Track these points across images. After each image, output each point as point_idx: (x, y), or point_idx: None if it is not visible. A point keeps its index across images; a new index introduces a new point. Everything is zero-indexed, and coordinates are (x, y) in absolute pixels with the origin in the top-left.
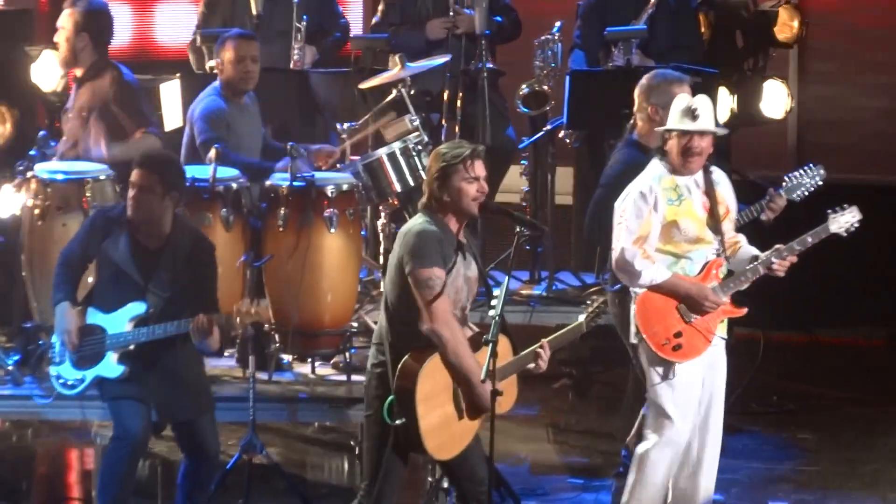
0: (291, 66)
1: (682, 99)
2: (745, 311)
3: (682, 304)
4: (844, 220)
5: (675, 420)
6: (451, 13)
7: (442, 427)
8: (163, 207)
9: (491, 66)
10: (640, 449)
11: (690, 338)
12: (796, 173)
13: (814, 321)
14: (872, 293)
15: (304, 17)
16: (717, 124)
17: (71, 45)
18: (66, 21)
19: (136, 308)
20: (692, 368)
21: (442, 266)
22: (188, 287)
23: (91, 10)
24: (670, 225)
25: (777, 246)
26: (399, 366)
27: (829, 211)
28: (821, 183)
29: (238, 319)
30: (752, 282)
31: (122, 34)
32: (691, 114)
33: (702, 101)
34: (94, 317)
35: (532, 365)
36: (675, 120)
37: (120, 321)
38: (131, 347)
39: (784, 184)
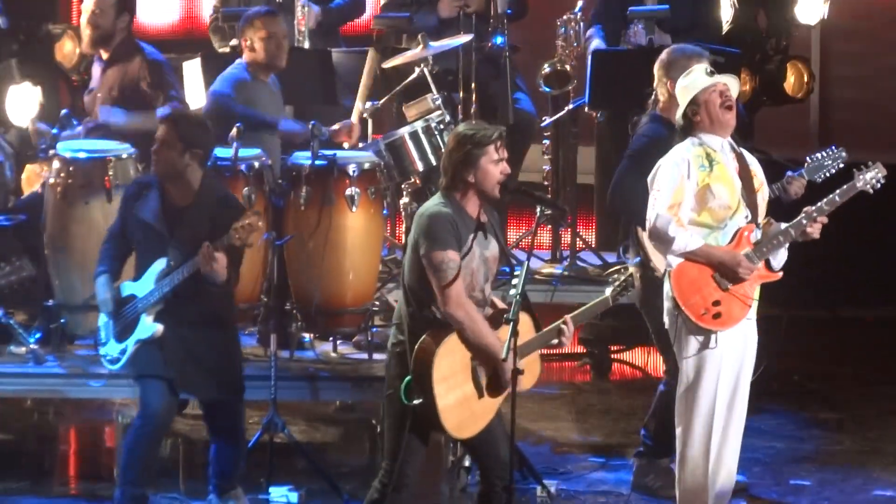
0: (296, 25)
1: (697, 68)
2: (780, 275)
3: (717, 273)
4: (870, 177)
5: (702, 397)
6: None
7: (461, 406)
8: (183, 163)
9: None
10: (679, 435)
11: (729, 305)
12: (818, 154)
13: (836, 299)
14: (895, 271)
15: None
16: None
17: (112, 25)
18: (105, 2)
19: (159, 265)
20: (730, 343)
21: (456, 249)
22: (205, 239)
23: None
24: (703, 190)
25: (806, 208)
26: (416, 347)
27: (854, 169)
28: (842, 165)
29: (235, 234)
30: (784, 246)
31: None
32: (710, 73)
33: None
34: (127, 288)
35: (555, 341)
36: (699, 83)
37: (147, 283)
38: (161, 305)
39: (806, 165)
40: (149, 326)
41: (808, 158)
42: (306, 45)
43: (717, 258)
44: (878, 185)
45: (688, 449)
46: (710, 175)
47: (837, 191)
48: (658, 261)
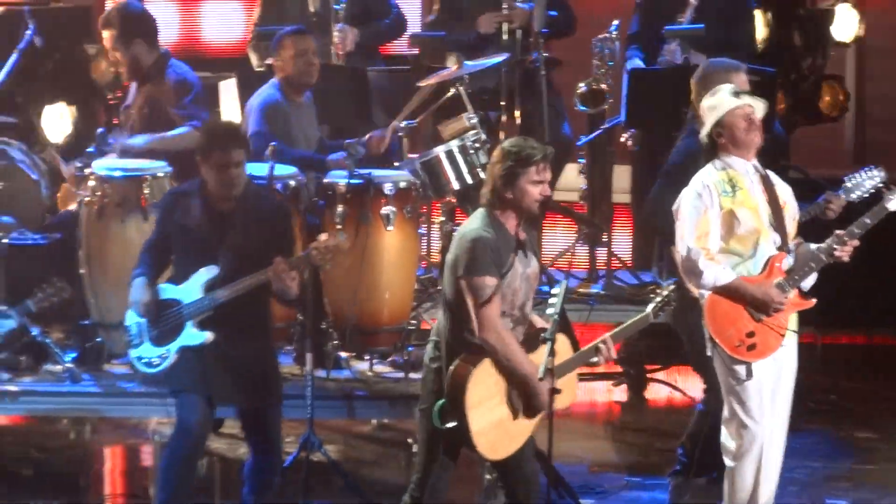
0: (332, 49)
1: (723, 88)
2: (813, 302)
3: (749, 305)
4: None
5: (750, 423)
6: (505, 7)
7: (495, 429)
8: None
9: (546, 55)
10: (728, 462)
11: (764, 336)
12: (856, 174)
13: (871, 321)
14: None
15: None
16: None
17: (130, 58)
18: (113, 41)
19: (207, 273)
20: (766, 367)
21: (495, 274)
22: (261, 248)
23: (131, 14)
24: (728, 216)
25: (837, 232)
26: (451, 369)
27: (884, 189)
28: (881, 185)
29: (316, 254)
30: (816, 271)
31: (170, 31)
32: (736, 94)
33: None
34: (168, 292)
35: (595, 359)
36: (725, 105)
37: (192, 289)
38: (209, 313)
39: (843, 184)
40: (197, 334)
41: (845, 178)
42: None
43: (749, 293)
44: None
45: (741, 468)
46: (733, 200)
47: (868, 213)
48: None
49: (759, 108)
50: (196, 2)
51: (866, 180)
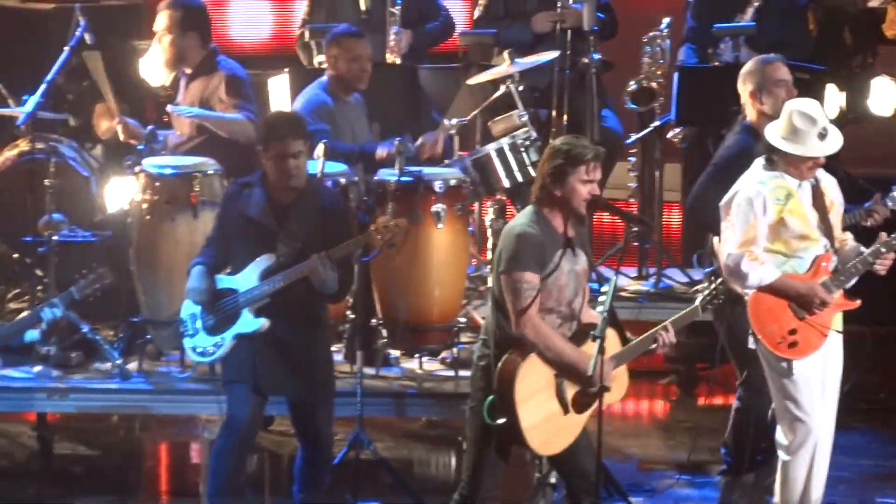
0: (387, 51)
1: (811, 119)
2: (858, 303)
3: (794, 303)
4: None
5: (804, 417)
6: (559, 6)
7: (545, 423)
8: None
9: (598, 57)
10: (783, 457)
11: (806, 334)
12: None
13: None
14: None
15: (398, 1)
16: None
17: (178, 47)
18: (167, 23)
19: (264, 261)
20: (811, 362)
21: (535, 271)
22: (318, 240)
23: (194, 7)
24: (778, 224)
25: (882, 236)
26: (499, 365)
27: None
28: None
29: (378, 235)
30: (861, 274)
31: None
32: (822, 137)
33: (817, 111)
34: (224, 281)
35: (653, 346)
36: (810, 140)
37: (250, 278)
38: (265, 301)
39: (891, 193)
40: (253, 321)
41: (894, 188)
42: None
43: (793, 290)
44: None
45: (794, 464)
46: (784, 208)
47: None
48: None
49: (836, 148)
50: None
51: None
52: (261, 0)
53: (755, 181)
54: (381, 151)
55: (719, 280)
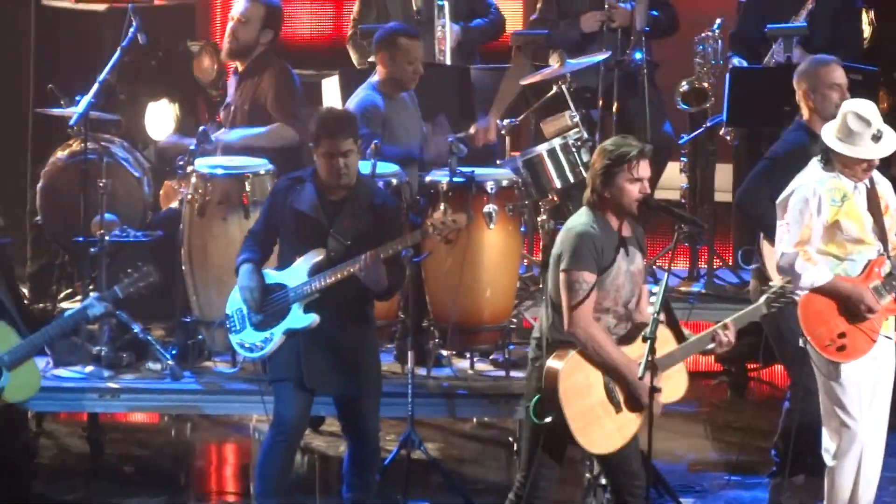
0: (436, 44)
1: (866, 121)
2: None
3: (844, 306)
4: None
5: (850, 422)
6: (607, 6)
7: (596, 423)
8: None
9: (648, 58)
10: (828, 462)
11: (854, 338)
12: None
13: None
14: None
15: None
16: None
17: (255, 38)
18: (251, 13)
19: (314, 256)
20: (861, 366)
21: (594, 271)
22: (369, 237)
23: (277, 7)
24: (833, 226)
25: None
26: (546, 364)
27: None
28: None
29: (432, 230)
30: None
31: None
32: (876, 139)
33: (873, 113)
34: (272, 277)
35: (710, 346)
36: (865, 142)
37: (299, 273)
38: (315, 296)
39: None
40: (304, 317)
41: None
42: (447, 62)
43: (844, 292)
44: None
45: (843, 466)
46: (840, 210)
47: None
48: (775, 275)
49: (890, 151)
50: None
51: None
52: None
53: (813, 181)
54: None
55: (783, 281)
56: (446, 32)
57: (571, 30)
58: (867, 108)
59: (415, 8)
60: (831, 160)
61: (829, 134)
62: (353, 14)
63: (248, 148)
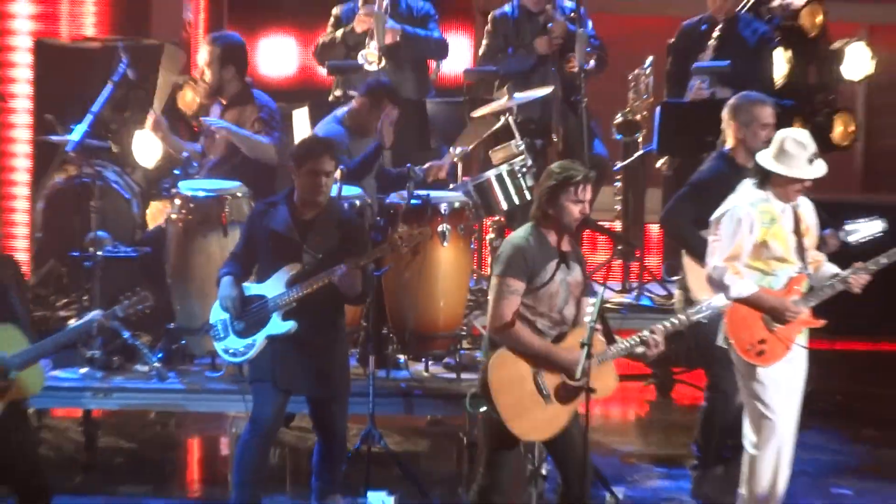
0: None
1: (802, 145)
2: (823, 322)
3: (766, 315)
4: (872, 228)
5: (771, 416)
6: (549, 25)
7: (524, 412)
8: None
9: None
10: (750, 451)
11: (772, 345)
12: (858, 221)
13: (877, 330)
14: None
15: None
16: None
17: (218, 77)
18: (210, 56)
19: (290, 269)
20: (778, 368)
21: (521, 278)
22: (337, 251)
23: (233, 44)
24: (761, 244)
25: (855, 264)
26: (483, 361)
27: None
28: (880, 233)
29: (400, 241)
30: (829, 297)
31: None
32: (811, 162)
33: (808, 140)
34: (252, 289)
35: (640, 350)
36: (800, 164)
37: (276, 285)
38: (293, 305)
39: (844, 227)
40: (283, 324)
41: (845, 223)
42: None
43: (768, 304)
44: (880, 233)
45: (762, 459)
46: (768, 231)
47: (885, 254)
48: (695, 287)
49: (821, 173)
50: (254, 39)
51: (865, 229)
52: (288, 37)
53: (746, 202)
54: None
55: (706, 301)
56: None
57: (526, 58)
58: (803, 134)
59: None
60: (766, 182)
61: (765, 158)
62: (328, 27)
63: (226, 172)
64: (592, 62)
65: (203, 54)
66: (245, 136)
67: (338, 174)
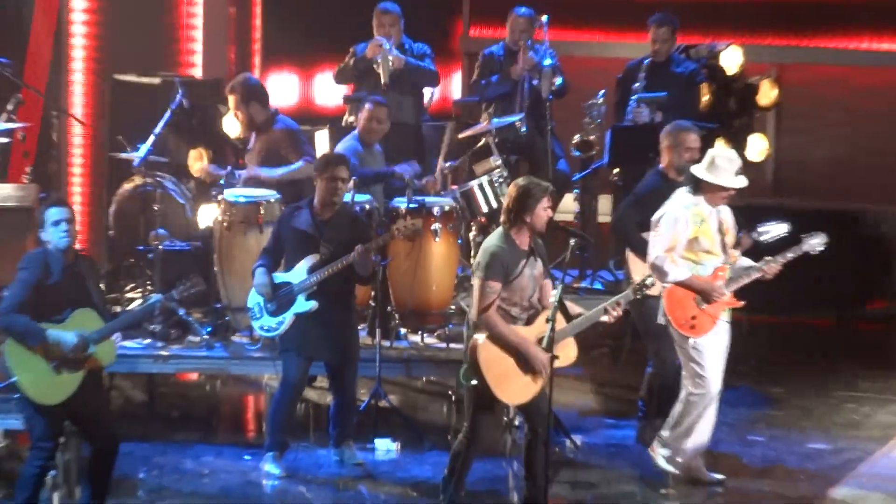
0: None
1: (730, 161)
2: (742, 303)
3: (697, 296)
4: (814, 243)
5: (704, 374)
6: (521, 59)
7: (507, 382)
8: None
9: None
10: (682, 395)
11: (702, 320)
12: (768, 224)
13: (784, 307)
14: (825, 287)
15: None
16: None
17: (247, 115)
18: (235, 102)
19: (310, 259)
20: (709, 338)
21: (499, 280)
22: (348, 242)
23: (249, 85)
24: (693, 240)
25: (766, 258)
26: (470, 342)
27: (803, 235)
28: (786, 233)
29: (397, 232)
30: (746, 283)
31: (291, 96)
32: (737, 174)
33: (735, 157)
34: (280, 277)
35: (604, 318)
36: (728, 176)
37: (300, 272)
38: (314, 288)
39: (756, 229)
40: (307, 303)
41: (758, 226)
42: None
43: (698, 287)
44: (818, 250)
45: (693, 403)
46: (699, 229)
47: (790, 249)
48: (635, 274)
49: (744, 184)
50: (311, 74)
51: (775, 230)
52: (290, 74)
53: (681, 205)
54: (398, 173)
55: (646, 276)
56: (393, 59)
57: (504, 83)
58: (731, 153)
59: (383, 81)
60: (698, 189)
61: (699, 170)
62: (342, 65)
63: (271, 181)
64: (558, 79)
65: (230, 101)
66: (283, 175)
67: (351, 183)
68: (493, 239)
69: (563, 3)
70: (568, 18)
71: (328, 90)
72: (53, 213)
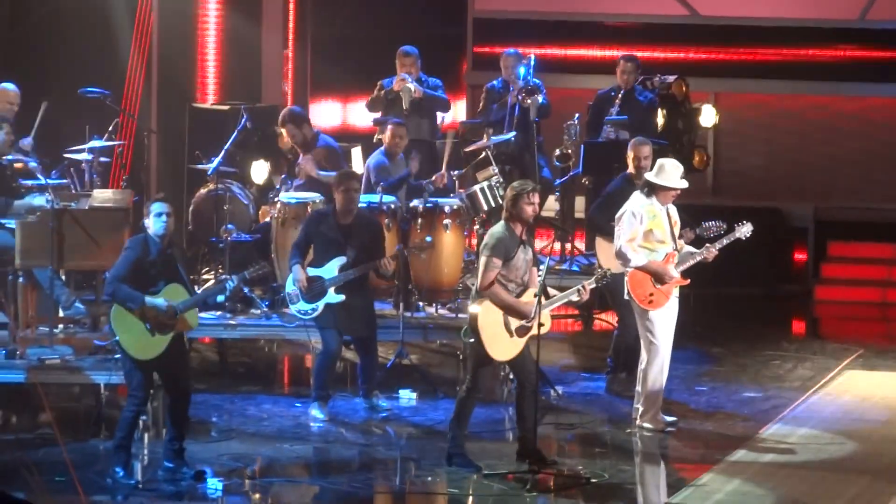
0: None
1: (676, 167)
2: (687, 281)
3: (652, 277)
4: (745, 231)
5: (656, 342)
6: (513, 90)
7: (497, 341)
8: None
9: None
10: (642, 365)
11: (658, 296)
12: (708, 223)
13: (723, 281)
14: (755, 266)
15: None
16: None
17: (301, 138)
18: (289, 132)
19: (339, 260)
20: (662, 311)
21: (500, 257)
22: (367, 246)
23: (296, 115)
24: (648, 231)
25: (707, 245)
26: (470, 308)
27: (735, 224)
28: (722, 231)
29: (386, 265)
30: (691, 265)
31: (334, 119)
32: (682, 178)
33: (679, 165)
34: (312, 272)
35: (576, 298)
36: (674, 179)
37: (330, 270)
38: (342, 283)
39: (701, 225)
40: (336, 296)
41: (702, 223)
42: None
43: (654, 269)
44: (747, 236)
45: (651, 368)
46: (653, 222)
47: (725, 237)
48: (603, 260)
49: (686, 185)
50: (348, 102)
51: (713, 228)
52: (333, 102)
53: (638, 204)
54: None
55: (606, 269)
56: (413, 88)
57: (501, 110)
58: (676, 162)
59: (405, 107)
60: (651, 191)
61: (652, 175)
62: (375, 92)
63: (317, 182)
64: (540, 99)
65: (284, 133)
66: (323, 177)
67: (380, 189)
68: (498, 227)
69: (547, 47)
70: (552, 57)
71: (362, 115)
72: (157, 207)
